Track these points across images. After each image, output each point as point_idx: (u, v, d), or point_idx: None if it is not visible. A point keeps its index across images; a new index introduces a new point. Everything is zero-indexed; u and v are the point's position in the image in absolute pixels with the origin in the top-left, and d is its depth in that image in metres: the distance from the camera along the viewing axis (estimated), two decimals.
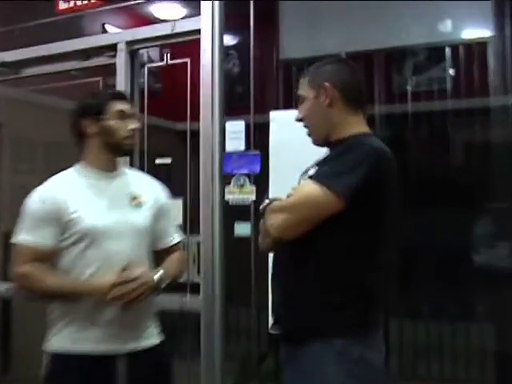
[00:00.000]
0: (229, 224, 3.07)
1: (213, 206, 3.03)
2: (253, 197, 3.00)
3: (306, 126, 2.03)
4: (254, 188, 3.00)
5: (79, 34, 3.75)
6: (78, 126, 2.22)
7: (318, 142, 2.02)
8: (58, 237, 2.12)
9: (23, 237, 2.13)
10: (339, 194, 1.77)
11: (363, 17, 3.92)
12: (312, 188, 1.81)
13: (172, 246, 2.37)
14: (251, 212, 3.00)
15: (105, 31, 4.09)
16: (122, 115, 2.22)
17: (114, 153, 2.24)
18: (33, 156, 4.39)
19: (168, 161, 3.29)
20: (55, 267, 2.14)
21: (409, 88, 4.31)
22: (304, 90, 2.01)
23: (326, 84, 1.93)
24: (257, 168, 3.01)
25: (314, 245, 1.85)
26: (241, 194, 3.01)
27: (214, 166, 3.05)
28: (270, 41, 4.11)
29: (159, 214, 2.32)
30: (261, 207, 1.97)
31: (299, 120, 2.04)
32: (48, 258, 2.13)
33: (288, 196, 1.91)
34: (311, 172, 1.92)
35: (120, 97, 2.28)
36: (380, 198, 1.86)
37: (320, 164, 1.92)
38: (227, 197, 3.04)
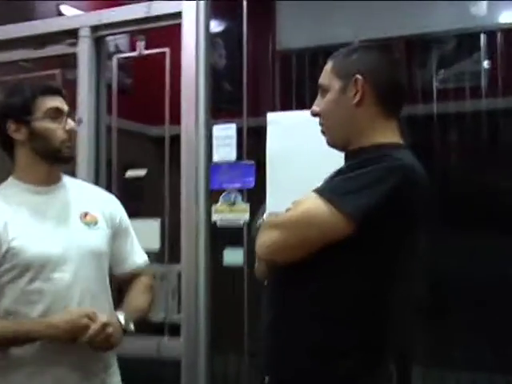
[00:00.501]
0: (216, 250, 3.13)
1: (197, 228, 3.11)
2: (246, 217, 3.06)
3: (321, 124, 2.02)
4: (247, 206, 3.07)
5: (30, 17, 3.82)
6: (3, 130, 2.21)
7: (334, 145, 2.02)
8: None
9: None
10: (349, 215, 1.75)
11: None
12: (316, 204, 1.80)
13: (134, 271, 2.41)
14: (244, 236, 3.06)
15: (60, 14, 4.16)
16: (56, 114, 2.20)
17: (49, 161, 2.23)
18: None
19: (142, 173, 3.36)
20: None
21: (435, 84, 4.31)
22: (327, 78, 1.97)
23: (358, 76, 1.91)
24: (251, 182, 3.07)
25: (314, 273, 1.84)
26: (231, 213, 3.08)
27: (199, 179, 3.12)
28: (265, 27, 4.16)
29: (116, 233, 2.35)
30: (257, 224, 2.00)
31: (315, 115, 2.01)
32: None
33: (286, 210, 1.90)
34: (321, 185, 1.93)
35: (52, 91, 2.25)
36: (401, 225, 1.83)
37: (332, 176, 1.92)
38: (214, 217, 3.10)
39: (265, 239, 1.87)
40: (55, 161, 2.24)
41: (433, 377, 3.94)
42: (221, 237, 3.14)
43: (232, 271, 3.10)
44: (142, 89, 4.64)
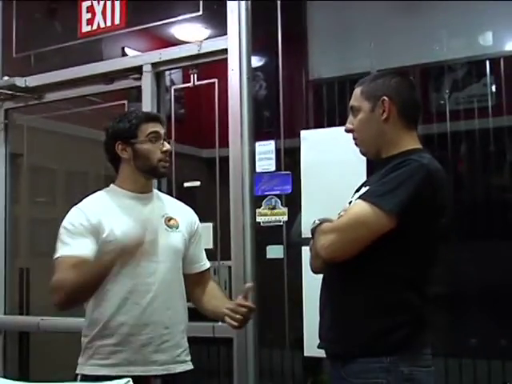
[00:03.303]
0: (260, 247, 3.41)
1: (244, 229, 3.38)
2: (285, 218, 3.34)
3: (354, 138, 2.22)
4: (285, 209, 3.34)
5: (99, 58, 4.23)
6: (112, 149, 2.54)
7: (368, 155, 2.28)
8: (95, 251, 2.40)
9: (63, 252, 2.41)
10: (389, 212, 1.97)
11: (396, 31, 4.23)
12: (362, 208, 2.01)
13: (202, 272, 2.73)
14: (283, 234, 3.35)
15: (125, 55, 4.55)
16: (155, 137, 2.51)
17: (148, 176, 2.58)
18: (53, 187, 4.83)
19: (197, 184, 3.68)
20: None
21: (447, 106, 4.45)
22: (358, 100, 2.19)
23: (385, 98, 2.12)
24: (288, 188, 3.35)
25: (365, 267, 2.04)
26: (272, 215, 3.36)
27: (245, 188, 3.39)
28: (298, 61, 4.39)
29: (191, 239, 2.67)
30: (310, 228, 2.16)
31: (349, 131, 2.22)
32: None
33: (339, 217, 2.10)
34: (362, 191, 2.13)
35: (152, 118, 2.56)
36: (429, 215, 2.03)
37: (370, 182, 2.14)
38: (258, 219, 3.38)
39: (323, 242, 2.06)
40: (152, 176, 2.60)
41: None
42: (264, 235, 3.38)
43: (274, 264, 3.38)
44: (193, 117, 4.95)
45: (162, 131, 2.56)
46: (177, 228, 2.58)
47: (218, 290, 2.73)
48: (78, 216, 2.47)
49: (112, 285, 2.42)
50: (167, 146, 2.55)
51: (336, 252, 2.05)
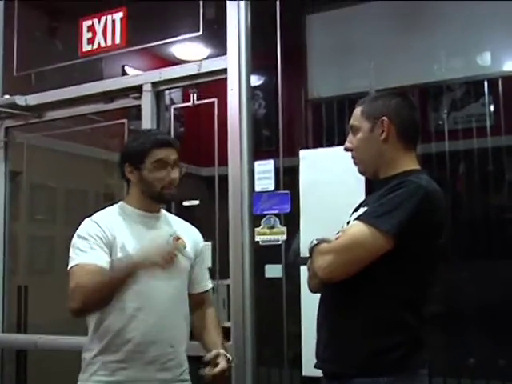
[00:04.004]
0: (259, 266, 3.40)
1: (243, 247, 3.38)
2: (284, 237, 3.34)
3: (353, 157, 2.24)
4: (284, 229, 3.34)
5: (99, 76, 4.27)
6: (122, 169, 2.56)
7: (366, 175, 2.29)
8: (109, 264, 2.40)
9: (81, 260, 2.39)
10: (387, 233, 1.98)
11: (395, 50, 4.28)
12: (359, 229, 2.02)
13: (204, 293, 2.74)
14: (282, 253, 3.35)
15: (125, 73, 4.59)
16: (162, 165, 2.49)
17: (152, 201, 2.58)
18: (53, 205, 4.83)
19: (196, 202, 3.70)
20: None
21: (446, 126, 4.53)
22: (358, 120, 2.20)
23: (384, 118, 2.14)
24: (287, 208, 3.34)
25: (362, 286, 2.05)
26: (271, 234, 3.36)
27: (244, 206, 3.40)
28: (298, 80, 4.42)
29: (196, 258, 2.69)
30: (308, 247, 2.16)
31: (348, 150, 2.23)
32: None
33: (337, 237, 2.11)
34: (360, 211, 2.14)
35: (164, 144, 2.53)
36: (427, 236, 2.04)
37: (368, 203, 2.15)
38: (257, 238, 3.38)
39: (321, 263, 2.08)
40: (157, 201, 2.60)
41: None
42: (262, 254, 3.38)
43: (272, 283, 3.36)
44: (192, 136, 4.96)
45: (173, 157, 2.54)
46: (184, 248, 2.60)
47: (213, 321, 2.71)
48: (93, 227, 2.47)
49: (120, 300, 2.41)
50: (174, 175, 2.53)
51: (333, 273, 2.05)
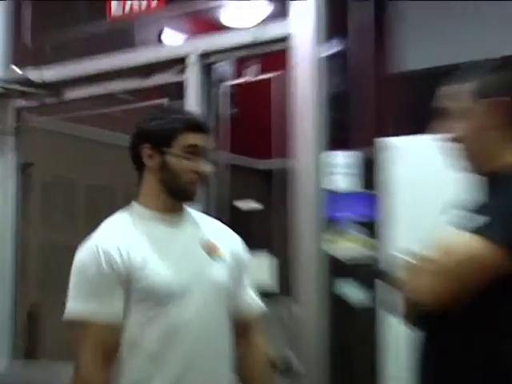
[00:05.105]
0: (332, 286, 3.32)
1: (310, 261, 3.33)
2: (366, 250, 3.28)
3: (458, 149, 2.13)
4: (367, 239, 3.28)
5: (131, 47, 4.21)
6: (136, 151, 2.43)
7: (473, 171, 2.15)
8: (123, 310, 2.31)
9: (83, 313, 2.30)
10: (503, 244, 1.86)
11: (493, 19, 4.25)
12: (469, 241, 1.91)
13: (250, 318, 2.61)
14: (363, 270, 3.28)
15: (163, 43, 4.49)
16: (193, 152, 2.39)
17: (170, 195, 2.46)
18: (72, 205, 4.83)
19: (251, 203, 3.70)
20: None
21: None
22: (464, 101, 2.09)
23: (504, 98, 2.04)
24: (369, 211, 3.29)
25: (474, 318, 1.95)
26: (348, 246, 3.30)
27: (312, 209, 3.35)
28: (380, 51, 4.33)
29: (236, 273, 2.55)
30: (400, 264, 2.07)
31: (454, 140, 2.13)
32: (118, 339, 2.30)
33: (436, 251, 1.98)
34: (464, 219, 2.03)
35: (197, 127, 2.44)
36: None
37: (475, 208, 2.02)
38: (329, 250, 3.32)
39: (421, 285, 1.97)
40: (176, 198, 2.46)
41: None
42: (337, 271, 3.31)
43: (349, 307, 3.29)
44: (249, 119, 4.86)
45: (205, 146, 2.45)
46: (220, 257, 2.49)
47: (261, 360, 2.63)
48: (97, 258, 2.33)
49: (136, 345, 2.33)
50: (206, 168, 2.44)
51: (439, 299, 1.94)
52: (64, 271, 2.55)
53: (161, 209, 2.46)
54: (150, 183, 2.45)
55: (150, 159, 2.42)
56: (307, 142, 3.41)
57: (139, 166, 2.47)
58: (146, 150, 2.42)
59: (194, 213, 2.60)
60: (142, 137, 2.45)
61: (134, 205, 2.50)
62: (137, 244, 2.38)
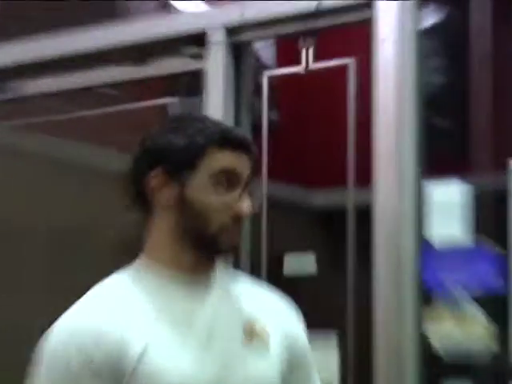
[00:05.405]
0: None
1: (401, 350, 3.28)
2: (488, 339, 3.21)
3: None
4: (491, 321, 3.21)
5: (120, 17, 4.27)
6: (140, 179, 2.36)
7: None
8: None
9: None
10: None
11: None
12: None
13: None
14: (483, 369, 3.22)
15: (172, 12, 4.47)
16: (229, 181, 2.33)
17: (195, 247, 2.36)
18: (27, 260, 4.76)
19: (303, 258, 3.58)
20: None
21: None
22: None
23: None
24: (499, 278, 3.22)
25: None
26: (459, 328, 3.24)
27: (404, 271, 3.31)
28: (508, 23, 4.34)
29: (293, 362, 2.48)
30: None
31: None
32: None
33: None
34: None
35: (236, 143, 2.36)
36: None
37: None
38: (430, 333, 3.26)
39: None
40: (203, 251, 2.36)
41: None
42: (441, 365, 3.27)
43: None
44: (302, 128, 4.89)
45: (247, 171, 2.35)
46: (266, 345, 2.41)
47: None
48: (74, 350, 2.27)
49: None
50: (247, 202, 2.33)
51: None
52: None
53: (178, 268, 2.37)
54: (161, 229, 2.37)
55: (162, 191, 2.31)
56: (394, 166, 3.36)
57: (144, 202, 2.37)
58: (155, 178, 2.31)
59: (230, 275, 2.53)
60: (149, 158, 2.34)
61: (140, 261, 2.40)
62: (137, 323, 2.30)
